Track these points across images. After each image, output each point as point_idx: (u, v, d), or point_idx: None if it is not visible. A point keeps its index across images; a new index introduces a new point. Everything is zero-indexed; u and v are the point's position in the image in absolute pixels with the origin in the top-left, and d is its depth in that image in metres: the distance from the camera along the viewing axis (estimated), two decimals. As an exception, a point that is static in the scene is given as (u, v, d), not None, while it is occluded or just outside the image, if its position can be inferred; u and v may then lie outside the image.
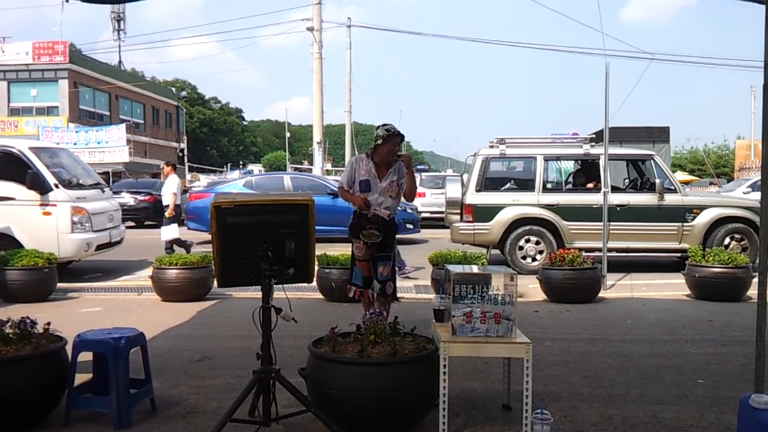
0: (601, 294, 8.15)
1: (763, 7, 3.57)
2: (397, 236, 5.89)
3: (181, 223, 12.33)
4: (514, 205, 10.36)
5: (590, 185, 10.63)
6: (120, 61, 48.02)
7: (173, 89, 57.65)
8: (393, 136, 5.38)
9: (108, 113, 37.98)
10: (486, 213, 10.33)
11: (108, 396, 3.82)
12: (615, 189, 10.41)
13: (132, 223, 19.25)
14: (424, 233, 16.53)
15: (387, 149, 5.38)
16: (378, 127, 5.48)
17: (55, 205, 9.12)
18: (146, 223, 20.50)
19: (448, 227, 11.23)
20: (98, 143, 28.96)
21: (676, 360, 5.33)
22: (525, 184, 10.68)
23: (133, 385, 3.99)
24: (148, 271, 8.72)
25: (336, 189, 6.85)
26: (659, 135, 17.90)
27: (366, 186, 5.50)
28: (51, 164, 9.51)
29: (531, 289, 8.22)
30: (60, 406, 3.89)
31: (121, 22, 49.64)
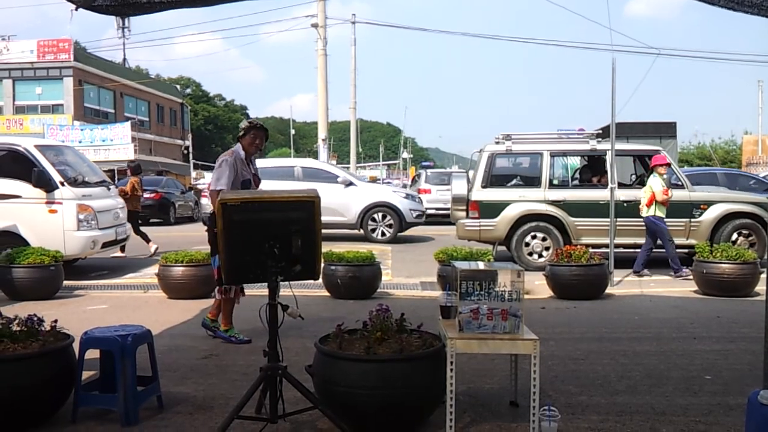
0: (608, 290, 8.12)
1: None
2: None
3: None
4: (520, 201, 10.32)
5: (595, 179, 10.60)
6: (125, 59, 48.00)
7: (178, 87, 57.61)
8: (254, 128, 5.65)
9: (113, 111, 38.03)
10: (492, 209, 10.30)
11: (115, 393, 3.82)
12: (622, 185, 10.37)
13: (138, 221, 19.23)
14: (430, 230, 16.53)
15: (247, 140, 5.62)
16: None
17: (61, 203, 9.14)
18: (152, 220, 20.56)
19: (453, 224, 11.21)
20: (103, 141, 28.99)
21: (683, 357, 5.30)
22: (531, 180, 10.64)
23: (140, 382, 3.98)
24: (154, 269, 8.73)
25: None
26: (666, 130, 17.84)
27: (248, 185, 5.60)
28: (57, 162, 9.52)
29: (537, 285, 8.20)
30: (67, 403, 3.89)
31: (126, 20, 49.62)
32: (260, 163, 16.47)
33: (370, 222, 14.42)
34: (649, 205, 9.39)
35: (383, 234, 14.38)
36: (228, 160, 5.51)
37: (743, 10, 3.77)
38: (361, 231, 14.46)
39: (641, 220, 10.02)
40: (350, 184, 14.71)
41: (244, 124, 5.75)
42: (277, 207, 3.56)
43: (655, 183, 9.37)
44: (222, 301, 5.77)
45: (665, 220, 9.37)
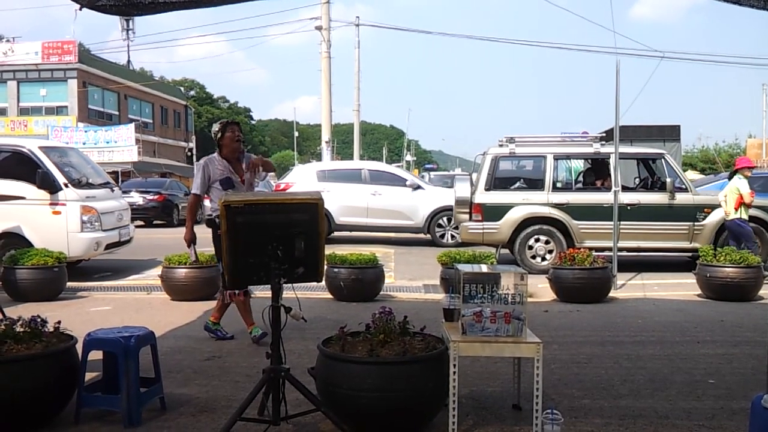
0: (612, 294, 8.12)
1: None
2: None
3: None
4: (524, 204, 10.32)
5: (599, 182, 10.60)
6: (129, 61, 48.14)
7: (182, 89, 57.78)
8: (229, 124, 5.73)
9: (117, 113, 38.14)
10: (495, 212, 10.30)
11: (118, 394, 3.82)
12: (625, 188, 10.36)
13: (141, 223, 19.32)
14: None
15: (228, 137, 5.64)
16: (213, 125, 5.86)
17: (64, 205, 9.16)
18: (155, 222, 20.62)
19: (457, 227, 11.20)
20: (107, 143, 29.12)
21: (686, 360, 5.29)
22: (534, 183, 10.64)
23: (143, 383, 3.99)
24: (158, 270, 8.74)
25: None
26: (670, 133, 17.80)
27: (229, 183, 5.64)
28: (61, 163, 9.54)
29: (541, 288, 8.18)
30: (70, 404, 3.90)
31: (130, 22, 49.74)
32: (327, 165, 16.22)
33: (437, 226, 14.11)
34: (737, 208, 9.33)
35: (450, 238, 14.00)
36: (199, 165, 5.73)
37: (749, 4, 3.77)
38: (428, 235, 14.18)
39: (644, 223, 10.03)
40: (418, 187, 14.45)
41: (216, 127, 5.78)
42: (280, 209, 3.57)
43: (743, 185, 9.33)
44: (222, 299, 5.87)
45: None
